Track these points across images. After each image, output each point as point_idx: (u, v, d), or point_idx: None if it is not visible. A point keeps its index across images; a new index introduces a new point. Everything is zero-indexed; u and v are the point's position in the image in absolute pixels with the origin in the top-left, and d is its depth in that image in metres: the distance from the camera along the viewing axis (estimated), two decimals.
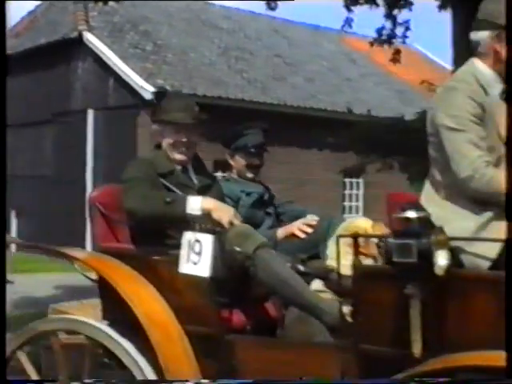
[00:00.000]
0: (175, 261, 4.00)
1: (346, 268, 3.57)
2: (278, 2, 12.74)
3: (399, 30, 12.96)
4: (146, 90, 20.18)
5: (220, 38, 25.99)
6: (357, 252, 3.54)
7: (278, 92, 24.04)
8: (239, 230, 4.12)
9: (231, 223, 4.11)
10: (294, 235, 4.94)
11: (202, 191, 4.51)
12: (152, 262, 4.19)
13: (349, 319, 3.59)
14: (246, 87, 23.32)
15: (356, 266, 3.52)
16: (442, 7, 12.29)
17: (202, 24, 26.43)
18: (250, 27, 28.10)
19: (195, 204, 4.12)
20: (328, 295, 4.02)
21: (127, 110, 21.15)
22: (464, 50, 10.96)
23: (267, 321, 4.41)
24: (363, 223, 4.27)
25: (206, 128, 5.11)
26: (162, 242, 4.26)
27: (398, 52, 13.32)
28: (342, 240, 3.62)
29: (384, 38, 13.03)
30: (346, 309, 3.60)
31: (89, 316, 4.84)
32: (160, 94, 4.88)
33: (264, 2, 12.84)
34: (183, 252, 3.99)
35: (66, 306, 6.06)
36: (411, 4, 12.58)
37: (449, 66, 12.52)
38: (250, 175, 5.43)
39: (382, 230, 4.03)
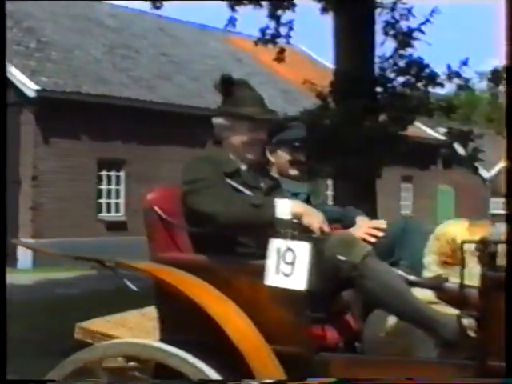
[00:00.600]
0: (258, 272, 3.56)
1: (468, 277, 3.32)
2: (164, 2, 12.93)
3: (283, 30, 13.10)
4: (30, 87, 20.35)
5: (105, 36, 26.09)
6: (485, 260, 3.26)
7: (163, 91, 24.38)
8: (343, 237, 3.72)
9: (321, 230, 3.68)
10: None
11: (269, 193, 4.10)
12: (229, 273, 3.71)
13: (471, 333, 3.33)
14: (131, 85, 23.57)
15: (485, 275, 3.24)
16: (324, 10, 12.66)
17: (87, 22, 26.46)
18: (136, 25, 28.22)
19: (285, 208, 3.68)
20: (440, 307, 3.64)
21: (10, 107, 20.83)
22: (345, 51, 11.50)
23: (350, 335, 4.02)
24: (458, 226, 3.89)
25: None
26: (233, 251, 3.83)
27: (282, 51, 13.44)
28: (442, 245, 3.41)
29: (268, 38, 13.11)
30: (467, 322, 3.32)
31: (127, 335, 4.62)
32: (227, 82, 4.21)
33: (149, 1, 12.99)
34: (271, 262, 3.55)
35: (94, 323, 5.52)
36: (294, 6, 12.89)
37: (331, 66, 12.90)
38: (293, 173, 4.84)
39: (484, 230, 3.64)
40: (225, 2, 12.85)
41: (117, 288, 15.17)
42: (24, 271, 19.75)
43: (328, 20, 11.93)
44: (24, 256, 20.47)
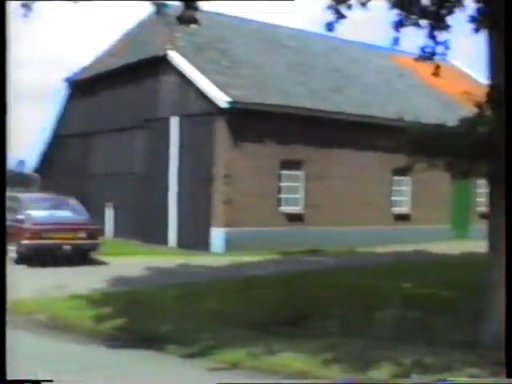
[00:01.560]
0: None
1: None
2: (335, 24, 14.75)
3: (439, 49, 13.40)
4: (222, 99, 23.31)
5: (286, 55, 28.91)
6: None
7: (336, 101, 26.91)
8: None
9: None
10: None
11: None
12: None
13: None
14: (308, 97, 26.30)
15: None
16: (477, 30, 12.72)
17: (270, 43, 29.46)
18: (313, 45, 31.12)
19: None
20: None
21: (205, 116, 24.35)
22: (498, 65, 12.73)
23: None
24: None
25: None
26: None
27: (438, 67, 13.91)
28: None
29: (426, 55, 13.41)
30: None
31: None
32: None
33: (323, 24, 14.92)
34: None
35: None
36: (449, 27, 14.09)
37: (483, 80, 13.75)
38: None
39: None
40: (389, 25, 14.45)
41: (299, 271, 17.58)
42: (216, 254, 22.55)
43: (481, 38, 12.34)
44: (217, 241, 23.61)
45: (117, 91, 28.71)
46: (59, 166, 33.07)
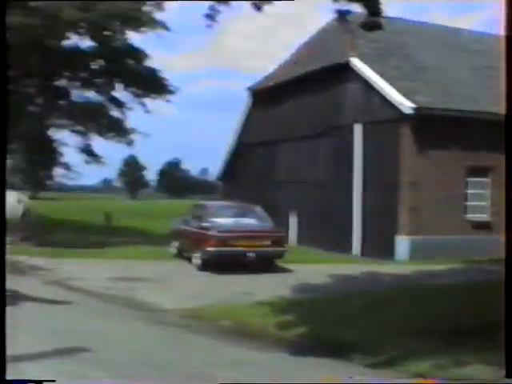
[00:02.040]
0: None
1: None
2: None
3: None
4: (406, 106, 23.07)
5: (471, 59, 28.25)
6: None
7: None
8: None
9: None
10: None
11: None
12: None
13: None
14: (495, 102, 25.37)
15: None
16: None
17: (454, 47, 28.92)
18: (497, 48, 30.03)
19: None
20: None
21: (389, 123, 24.19)
22: None
23: None
24: None
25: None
26: None
27: None
28: None
29: None
30: None
31: None
32: None
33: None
34: None
35: None
36: None
37: None
38: None
39: None
40: None
41: (486, 280, 17.00)
42: (401, 263, 22.27)
43: None
44: (401, 248, 23.35)
45: (299, 99, 29.02)
46: (242, 174, 33.81)
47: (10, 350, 6.61)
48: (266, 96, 31.91)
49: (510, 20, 6.40)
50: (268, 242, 19.76)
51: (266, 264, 19.59)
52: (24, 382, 6.08)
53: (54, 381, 5.92)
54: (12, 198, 11.50)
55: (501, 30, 7.79)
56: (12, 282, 9.61)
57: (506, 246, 4.63)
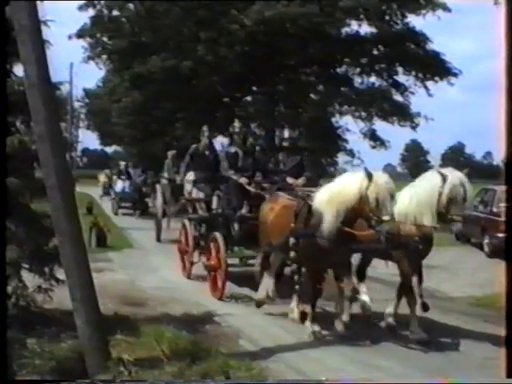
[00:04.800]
0: None
1: None
2: None
3: None
4: None
5: None
6: None
7: None
8: None
9: None
10: None
11: None
12: None
13: None
14: None
15: None
16: None
17: None
18: None
19: None
20: None
21: None
22: None
23: None
24: None
25: None
26: None
27: None
28: None
29: None
30: None
31: None
32: None
33: None
34: None
35: None
36: None
37: None
38: None
39: None
40: None
41: None
42: None
43: None
44: None
45: None
46: None
47: None
48: None
49: (510, 20, 5.94)
50: None
51: None
52: (24, 382, 5.94)
53: (55, 381, 5.81)
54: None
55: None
56: None
57: (505, 245, 4.16)
